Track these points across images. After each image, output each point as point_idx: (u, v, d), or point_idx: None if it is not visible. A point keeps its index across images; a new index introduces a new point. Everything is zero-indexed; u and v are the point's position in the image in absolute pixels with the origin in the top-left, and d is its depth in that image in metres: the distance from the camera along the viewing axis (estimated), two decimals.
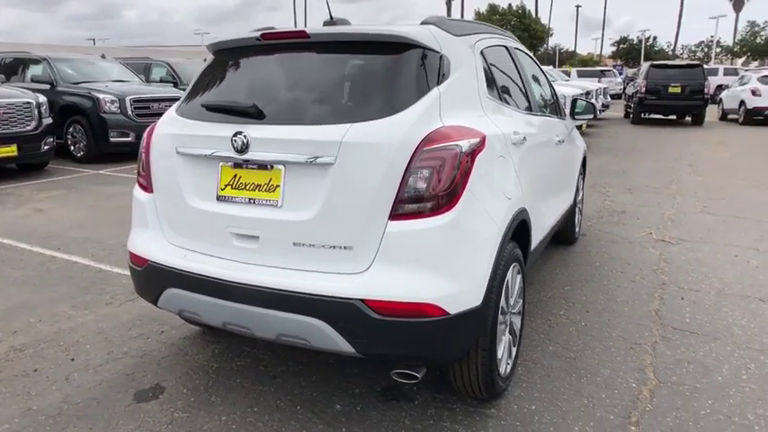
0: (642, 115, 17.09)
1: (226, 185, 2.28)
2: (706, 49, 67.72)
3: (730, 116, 17.74)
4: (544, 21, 44.89)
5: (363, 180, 2.03)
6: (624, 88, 24.58)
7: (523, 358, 2.94)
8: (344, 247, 2.08)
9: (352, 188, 2.04)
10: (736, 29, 63.08)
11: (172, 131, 2.44)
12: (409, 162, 2.00)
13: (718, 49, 63.28)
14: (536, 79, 3.75)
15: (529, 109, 3.26)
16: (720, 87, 22.96)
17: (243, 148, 2.17)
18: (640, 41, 69.58)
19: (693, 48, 70.49)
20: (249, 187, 2.23)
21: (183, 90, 10.49)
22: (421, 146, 2.01)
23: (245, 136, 2.16)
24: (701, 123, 16.43)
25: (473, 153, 2.11)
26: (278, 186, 2.17)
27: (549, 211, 3.47)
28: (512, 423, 2.42)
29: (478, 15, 43.58)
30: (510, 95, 2.97)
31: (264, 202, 2.20)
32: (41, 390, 2.69)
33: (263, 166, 2.19)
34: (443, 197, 2.01)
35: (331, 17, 2.63)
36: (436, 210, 2.01)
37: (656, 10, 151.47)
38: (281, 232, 2.16)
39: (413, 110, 2.09)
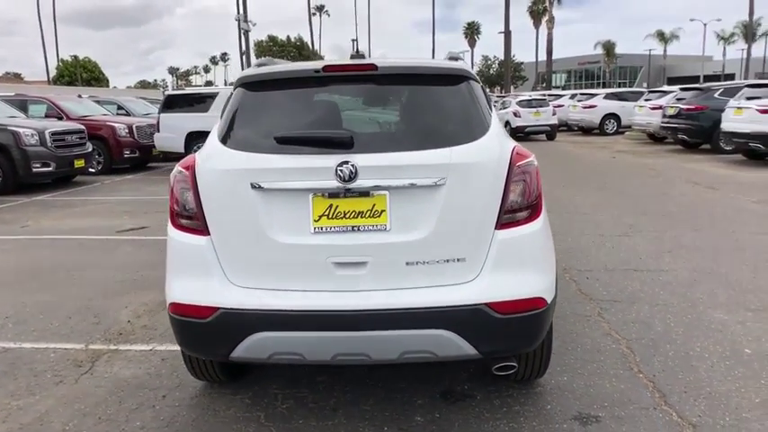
0: None
1: (320, 216, 2.26)
2: None
3: None
4: (320, 53, 47.39)
5: (473, 196, 2.26)
6: None
7: None
8: (457, 260, 2.27)
9: (463, 205, 2.25)
10: (473, 62, 74.92)
11: (239, 166, 2.30)
12: (507, 177, 2.30)
13: None
14: None
15: None
16: None
17: (351, 177, 2.20)
18: None
19: None
20: (350, 215, 2.26)
21: None
22: (513, 162, 2.33)
23: (352, 165, 2.20)
24: None
25: None
26: (383, 211, 2.25)
27: None
28: (563, 394, 2.84)
29: (259, 45, 44.08)
30: None
31: (371, 227, 2.25)
32: None
33: (364, 193, 2.25)
34: (534, 206, 2.36)
35: (357, 51, 2.78)
36: (530, 217, 2.35)
37: (408, 45, 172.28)
38: (392, 255, 2.25)
39: (492, 132, 2.40)
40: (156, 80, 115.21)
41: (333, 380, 3.01)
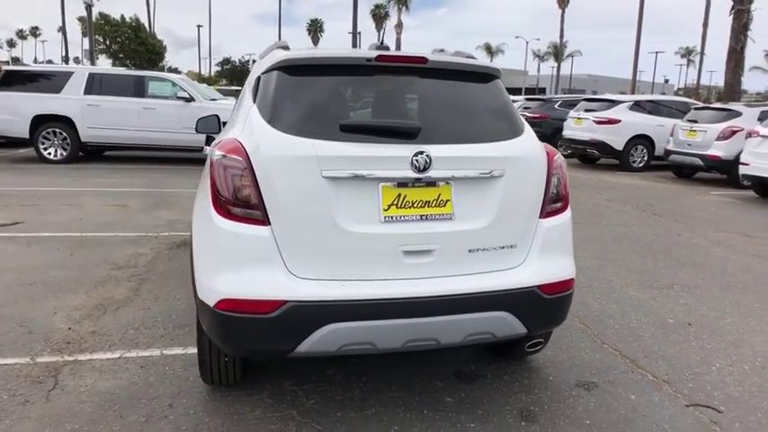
0: None
1: (389, 205, 2.27)
2: None
3: None
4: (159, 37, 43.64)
5: (524, 187, 2.46)
6: None
7: None
8: (510, 246, 2.45)
9: (517, 195, 2.44)
10: None
11: (308, 153, 2.19)
12: (548, 170, 2.54)
13: None
14: None
15: None
16: None
17: (425, 167, 2.25)
18: (242, 63, 75.49)
19: None
20: (417, 204, 2.31)
21: None
22: (550, 156, 2.57)
23: (427, 155, 2.25)
24: None
25: None
26: (448, 201, 2.34)
27: None
28: (555, 366, 3.18)
29: (83, 22, 39.00)
30: None
31: (438, 216, 2.33)
32: None
33: (431, 183, 2.32)
34: (565, 197, 2.63)
35: (381, 42, 2.81)
36: (563, 207, 2.62)
37: (249, 36, 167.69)
38: (456, 242, 2.35)
39: (528, 128, 2.63)
40: None
41: (343, 372, 3.00)
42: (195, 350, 3.13)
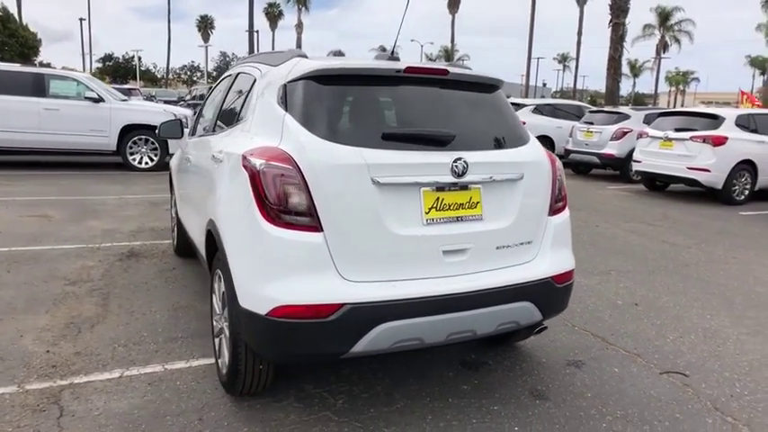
0: None
1: (430, 209, 2.42)
2: (189, 72, 75.69)
3: None
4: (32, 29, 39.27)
5: (537, 188, 2.72)
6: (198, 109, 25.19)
7: None
8: (528, 242, 2.70)
9: (532, 195, 2.69)
10: (207, 57, 72.64)
11: (357, 161, 2.27)
12: (552, 172, 2.82)
13: (199, 73, 71.75)
14: None
15: None
16: None
17: (463, 172, 2.42)
18: (126, 60, 70.66)
19: (178, 70, 77.43)
20: (453, 207, 2.47)
21: None
22: (552, 160, 2.86)
23: (464, 161, 2.42)
24: None
25: None
26: (478, 202, 2.54)
27: None
28: (543, 349, 3.50)
29: None
30: None
31: (470, 217, 2.51)
32: None
33: (464, 186, 2.49)
34: (565, 196, 2.94)
35: (393, 52, 2.94)
36: (564, 206, 2.92)
37: (128, 31, 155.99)
38: (487, 241, 2.55)
39: (531, 134, 2.89)
40: None
41: (359, 371, 3.09)
42: (199, 362, 3.12)
